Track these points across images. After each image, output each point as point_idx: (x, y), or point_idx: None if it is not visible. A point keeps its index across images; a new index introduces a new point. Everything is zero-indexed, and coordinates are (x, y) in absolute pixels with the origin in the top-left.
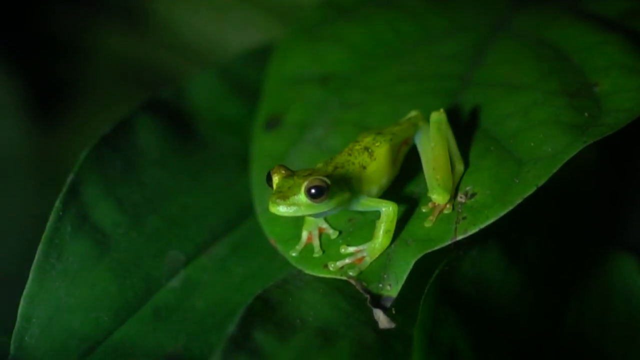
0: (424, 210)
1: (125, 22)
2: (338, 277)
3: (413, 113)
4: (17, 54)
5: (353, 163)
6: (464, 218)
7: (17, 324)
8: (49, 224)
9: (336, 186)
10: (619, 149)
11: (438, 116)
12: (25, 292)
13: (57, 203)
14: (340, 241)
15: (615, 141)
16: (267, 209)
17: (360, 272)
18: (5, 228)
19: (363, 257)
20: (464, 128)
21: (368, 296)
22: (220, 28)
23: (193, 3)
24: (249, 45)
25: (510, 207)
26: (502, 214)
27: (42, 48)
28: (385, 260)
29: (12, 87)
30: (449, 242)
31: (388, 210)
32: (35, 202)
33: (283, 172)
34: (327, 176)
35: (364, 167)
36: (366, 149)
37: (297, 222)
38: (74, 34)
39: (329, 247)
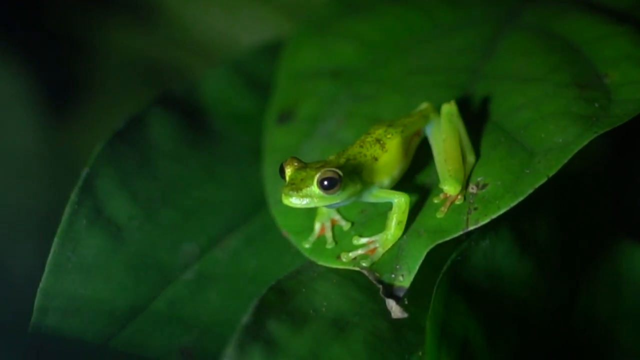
0: (435, 201)
1: (136, 18)
2: (351, 268)
3: (424, 105)
4: (29, 50)
5: (365, 155)
6: (475, 209)
7: (34, 317)
8: (64, 218)
9: (348, 178)
10: (631, 139)
11: (449, 108)
12: (41, 285)
13: (72, 197)
14: (353, 232)
15: (627, 131)
16: (280, 201)
17: (373, 263)
18: (20, 222)
19: (375, 248)
20: (475, 120)
21: (381, 286)
22: (231, 25)
23: (204, 0)
24: (259, 42)
25: (521, 198)
26: (513, 204)
27: (54, 44)
28: (397, 251)
29: (25, 83)
30: (461, 233)
31: (400, 201)
32: (49, 197)
33: (295, 164)
34: (339, 168)
35: (376, 159)
36: (378, 140)
37: (309, 214)
38: (86, 31)
39: (341, 239)
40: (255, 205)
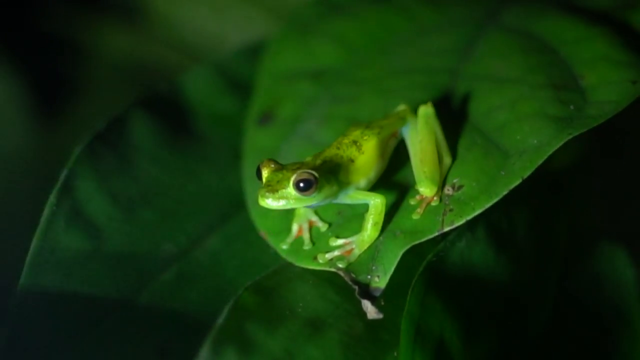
0: (411, 202)
1: (125, 19)
2: (327, 268)
3: (401, 107)
4: (16, 51)
5: (341, 156)
6: (450, 210)
7: (11, 316)
8: (42, 219)
9: (324, 179)
10: (611, 139)
11: (425, 109)
12: (19, 286)
13: (51, 198)
14: (330, 233)
15: (608, 131)
16: (258, 202)
17: (349, 264)
18: (5, 223)
19: (352, 249)
20: (453, 120)
21: (356, 287)
22: (220, 26)
23: (193, 1)
24: (244, 43)
25: (496, 199)
26: (487, 205)
27: (42, 45)
28: (373, 252)
29: (13, 84)
30: (437, 234)
31: (376, 203)
32: (36, 198)
33: (272, 165)
34: (316, 169)
35: (352, 161)
36: (354, 142)
37: (287, 215)
38: (74, 31)
39: (318, 240)
40: (235, 206)
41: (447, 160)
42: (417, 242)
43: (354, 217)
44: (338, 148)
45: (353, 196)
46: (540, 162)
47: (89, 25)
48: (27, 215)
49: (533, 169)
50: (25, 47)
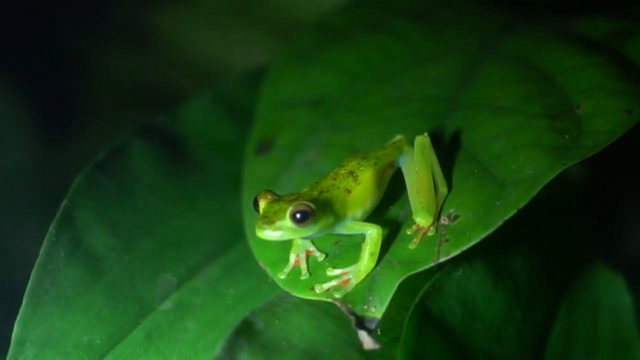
0: (408, 232)
1: (130, 40)
2: (324, 299)
3: (398, 137)
4: (23, 71)
5: (338, 187)
6: (446, 240)
7: (12, 348)
8: (42, 250)
9: (321, 210)
10: (609, 165)
11: (422, 140)
12: (19, 317)
13: (51, 229)
14: (327, 263)
15: (604, 156)
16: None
17: (346, 294)
18: (10, 247)
19: (349, 279)
20: (449, 150)
21: (353, 318)
22: (224, 47)
23: (197, 22)
24: (253, 64)
25: (492, 229)
26: (483, 236)
27: (49, 66)
28: (370, 282)
29: (18, 103)
30: (433, 264)
31: (373, 233)
32: (30, 224)
33: (269, 197)
34: (312, 200)
35: (349, 191)
36: (351, 173)
37: (285, 245)
38: (80, 53)
39: (315, 270)
40: (235, 235)
41: (443, 190)
42: (413, 272)
43: (350, 247)
44: (335, 179)
45: (349, 227)
46: (535, 192)
47: (95, 46)
48: (31, 238)
49: (528, 199)
50: (30, 66)
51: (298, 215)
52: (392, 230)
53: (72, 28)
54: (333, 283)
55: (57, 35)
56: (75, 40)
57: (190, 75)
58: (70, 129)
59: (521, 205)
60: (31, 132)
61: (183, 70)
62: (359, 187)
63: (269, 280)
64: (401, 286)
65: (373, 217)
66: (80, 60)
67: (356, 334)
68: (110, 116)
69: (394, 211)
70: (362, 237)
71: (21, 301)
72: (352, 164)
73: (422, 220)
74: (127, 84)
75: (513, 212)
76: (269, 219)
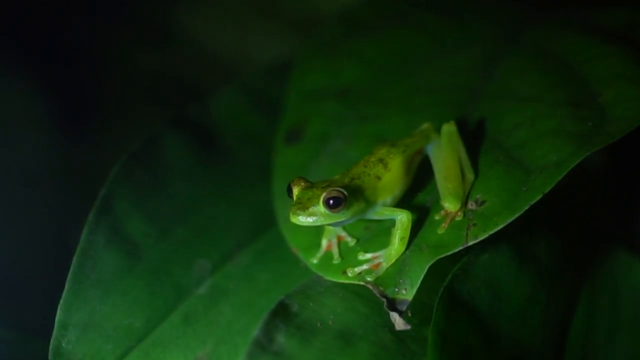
0: (436, 217)
1: (151, 36)
2: (356, 282)
3: (425, 125)
4: (46, 69)
5: (368, 174)
6: (474, 225)
7: (55, 331)
8: (82, 237)
9: (353, 197)
10: (630, 152)
11: (449, 128)
12: (61, 301)
13: (90, 217)
14: (358, 248)
15: (624, 143)
16: (289, 219)
17: (377, 277)
18: (37, 239)
19: (380, 263)
20: (474, 138)
21: (385, 300)
22: (244, 41)
23: (218, 18)
24: (272, 58)
25: (518, 214)
26: (510, 220)
27: (70, 63)
28: (400, 265)
29: (42, 101)
30: (461, 248)
31: (402, 218)
32: (66, 215)
33: (302, 183)
34: (344, 187)
35: (379, 178)
36: (380, 160)
37: (317, 231)
38: (103, 49)
39: (347, 254)
40: (266, 222)
41: (470, 176)
42: (442, 255)
43: (381, 232)
44: (365, 166)
45: (380, 212)
46: (560, 177)
47: (117, 43)
48: (58, 230)
49: (553, 184)
50: (53, 65)
51: (331, 201)
52: (421, 216)
53: (95, 25)
54: (365, 267)
55: (81, 33)
56: (99, 37)
57: (211, 70)
58: (95, 124)
59: (546, 190)
60: (57, 128)
61: (204, 66)
62: (388, 174)
63: (301, 265)
64: (428, 270)
65: (402, 202)
66: (104, 56)
67: (388, 315)
68: (134, 111)
69: (422, 197)
70: (391, 222)
71: (63, 286)
72: (381, 152)
73: (450, 205)
74: (149, 79)
75: (539, 196)
76: (303, 205)
